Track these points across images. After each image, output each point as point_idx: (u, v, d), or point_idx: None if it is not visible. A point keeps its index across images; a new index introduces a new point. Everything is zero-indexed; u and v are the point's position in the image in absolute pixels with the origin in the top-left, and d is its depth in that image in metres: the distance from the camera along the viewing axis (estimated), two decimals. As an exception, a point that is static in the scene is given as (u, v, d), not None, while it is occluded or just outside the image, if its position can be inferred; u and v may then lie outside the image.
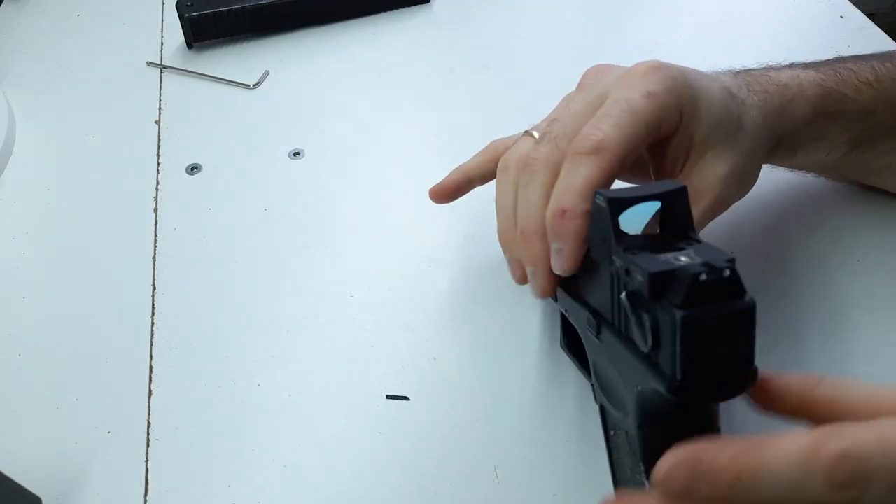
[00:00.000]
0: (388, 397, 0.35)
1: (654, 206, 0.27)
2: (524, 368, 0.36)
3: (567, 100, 0.33)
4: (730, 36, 0.55)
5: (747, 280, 0.23)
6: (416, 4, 0.59)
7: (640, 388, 0.25)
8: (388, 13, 0.59)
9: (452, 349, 0.37)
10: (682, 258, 0.24)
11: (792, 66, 0.37)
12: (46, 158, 0.49)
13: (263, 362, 0.37)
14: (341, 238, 0.43)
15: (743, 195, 0.35)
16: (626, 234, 0.26)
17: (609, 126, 0.28)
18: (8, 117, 0.50)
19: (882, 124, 0.36)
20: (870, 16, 0.56)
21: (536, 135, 0.32)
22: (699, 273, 0.23)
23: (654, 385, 0.24)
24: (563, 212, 0.27)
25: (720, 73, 0.35)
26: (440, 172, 0.38)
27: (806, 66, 0.37)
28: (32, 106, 0.53)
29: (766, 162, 0.36)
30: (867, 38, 0.54)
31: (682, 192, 0.27)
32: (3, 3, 0.62)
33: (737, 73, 0.36)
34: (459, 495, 0.32)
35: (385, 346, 0.37)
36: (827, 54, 0.52)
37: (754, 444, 0.20)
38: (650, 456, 0.25)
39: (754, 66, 0.37)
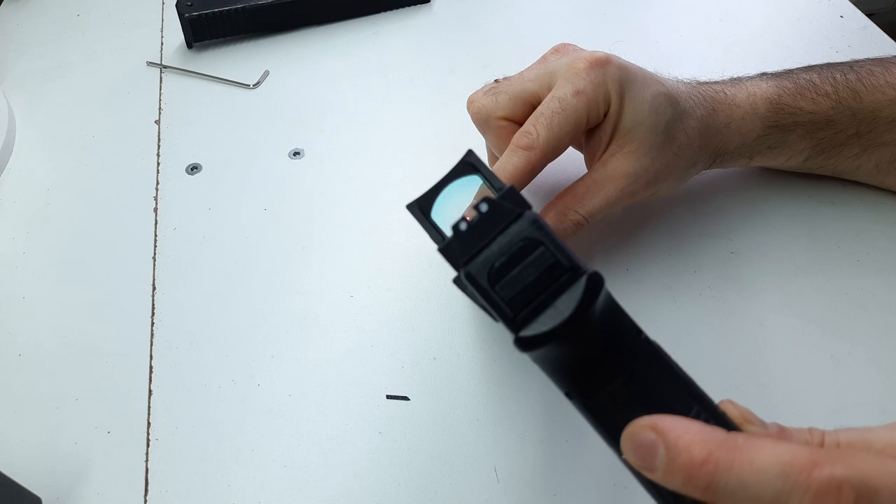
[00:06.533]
0: (388, 397, 0.35)
1: (470, 182, 0.29)
2: (524, 368, 0.36)
3: (530, 67, 0.38)
4: (730, 36, 0.55)
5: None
6: (416, 4, 0.59)
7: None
8: (388, 13, 0.59)
9: (452, 349, 0.37)
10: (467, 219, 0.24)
11: (762, 75, 0.40)
12: (46, 158, 0.49)
13: (263, 362, 0.37)
14: (341, 238, 0.43)
15: (659, 195, 0.38)
16: (438, 230, 0.28)
17: (542, 127, 0.34)
18: (8, 117, 0.50)
19: (843, 133, 0.39)
20: (870, 16, 0.56)
21: (494, 81, 0.39)
22: (458, 224, 0.23)
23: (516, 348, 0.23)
24: None
25: (679, 80, 0.38)
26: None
27: (772, 76, 0.40)
28: (32, 106, 0.53)
29: (710, 168, 0.40)
30: (867, 38, 0.54)
31: (463, 165, 0.29)
32: (3, 3, 0.62)
33: (696, 85, 0.39)
34: (459, 495, 0.32)
35: (385, 346, 0.37)
36: (827, 54, 0.53)
37: (737, 438, 0.19)
38: (599, 419, 0.24)
39: (718, 80, 0.40)
